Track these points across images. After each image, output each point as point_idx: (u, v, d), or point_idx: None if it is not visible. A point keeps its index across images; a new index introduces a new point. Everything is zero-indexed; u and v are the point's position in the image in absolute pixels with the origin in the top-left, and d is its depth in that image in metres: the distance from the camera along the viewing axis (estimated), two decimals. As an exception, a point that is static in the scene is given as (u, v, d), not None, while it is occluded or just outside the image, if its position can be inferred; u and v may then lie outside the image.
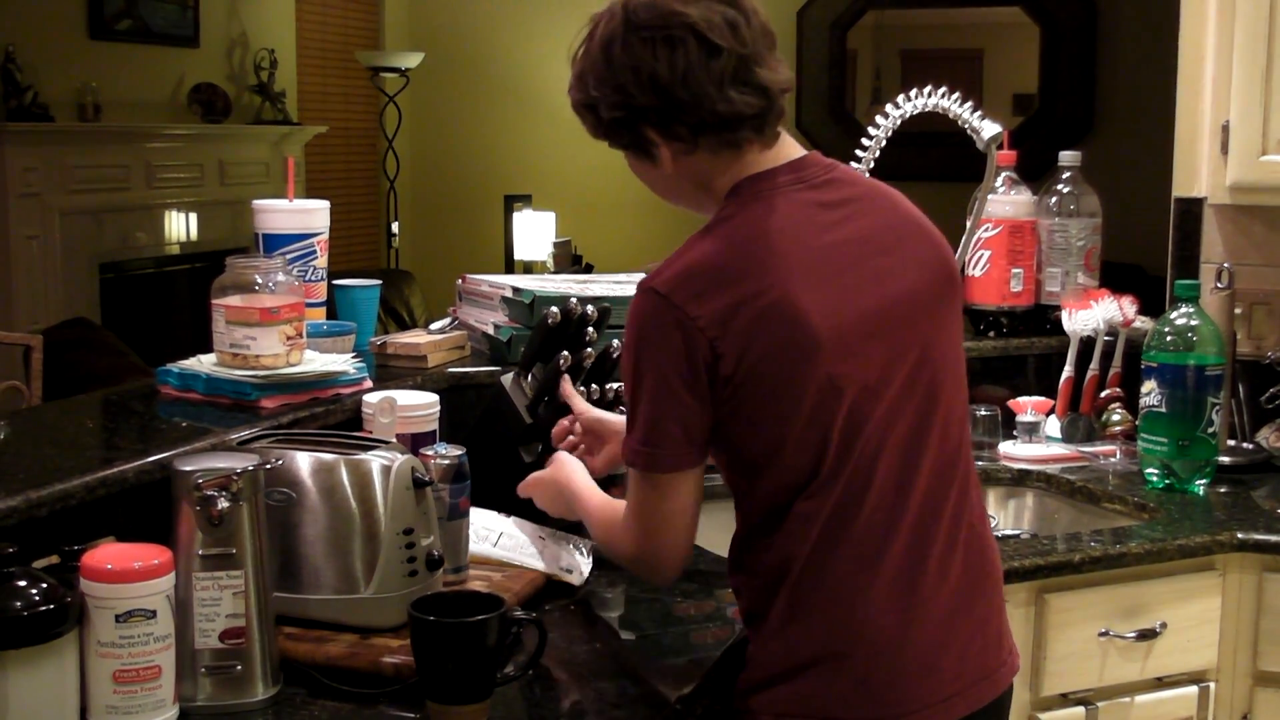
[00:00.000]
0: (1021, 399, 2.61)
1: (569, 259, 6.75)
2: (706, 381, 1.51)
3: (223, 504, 1.43)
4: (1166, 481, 2.38)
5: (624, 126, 1.60)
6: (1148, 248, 4.03)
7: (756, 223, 1.55)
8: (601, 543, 1.78)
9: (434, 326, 2.43)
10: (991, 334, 2.78)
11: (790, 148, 1.63)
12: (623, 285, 2.47)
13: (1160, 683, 2.12)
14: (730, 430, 1.55)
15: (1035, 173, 2.88)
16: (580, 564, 1.90)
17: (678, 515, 1.60)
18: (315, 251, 2.26)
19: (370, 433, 1.86)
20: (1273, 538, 2.14)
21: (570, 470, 1.86)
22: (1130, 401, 2.56)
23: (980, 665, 1.61)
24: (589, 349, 2.03)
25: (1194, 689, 2.15)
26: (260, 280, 1.95)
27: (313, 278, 2.25)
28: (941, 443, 1.59)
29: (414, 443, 1.84)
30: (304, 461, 1.60)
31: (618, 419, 1.90)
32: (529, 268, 6.92)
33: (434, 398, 1.97)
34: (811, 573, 1.55)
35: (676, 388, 1.52)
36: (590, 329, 2.06)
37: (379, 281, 2.44)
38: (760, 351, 1.50)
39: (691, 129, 1.56)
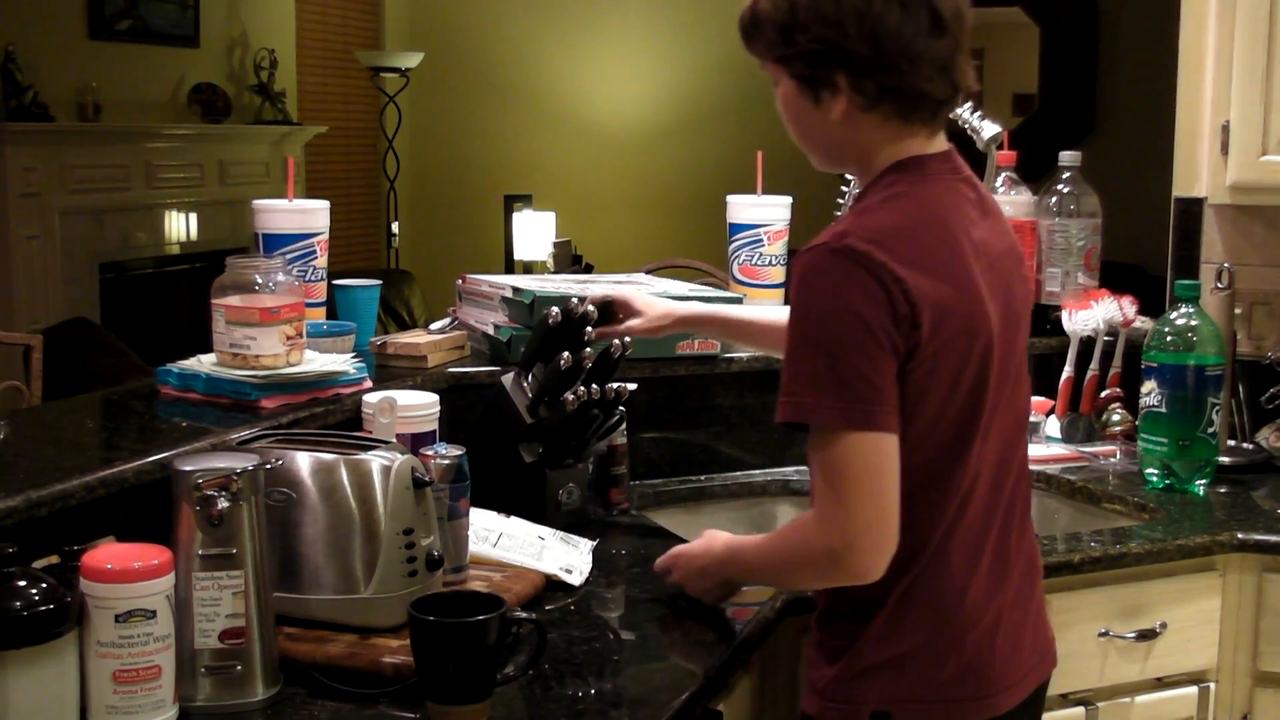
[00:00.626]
0: (1022, 399, 2.61)
1: (569, 259, 6.74)
2: (902, 341, 1.48)
3: (223, 504, 1.43)
4: (1166, 482, 2.38)
5: (815, 61, 1.55)
6: (1148, 248, 4.03)
7: (933, 203, 1.57)
8: (784, 570, 1.65)
9: (434, 326, 2.43)
10: (991, 334, 2.77)
11: (941, 141, 1.62)
12: (623, 285, 2.47)
13: (1160, 683, 2.12)
14: (926, 384, 1.52)
15: (1035, 173, 2.88)
16: (580, 564, 1.91)
17: (891, 480, 1.50)
18: (315, 251, 2.26)
19: (370, 433, 1.86)
20: (1273, 538, 2.14)
21: (715, 532, 1.80)
22: (1130, 402, 2.56)
23: (1043, 642, 1.71)
24: (589, 349, 2.03)
25: (1194, 689, 2.15)
26: (260, 280, 1.95)
27: (313, 278, 2.25)
28: (1021, 434, 1.68)
29: (414, 443, 1.84)
30: (304, 461, 1.60)
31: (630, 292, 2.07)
32: (529, 268, 6.92)
33: (434, 398, 1.97)
34: (935, 561, 1.58)
35: (882, 341, 1.47)
36: (590, 329, 2.06)
37: (379, 281, 2.44)
38: (952, 328, 1.51)
39: (881, 91, 1.54)
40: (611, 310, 2.11)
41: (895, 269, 1.48)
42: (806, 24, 1.53)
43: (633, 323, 2.11)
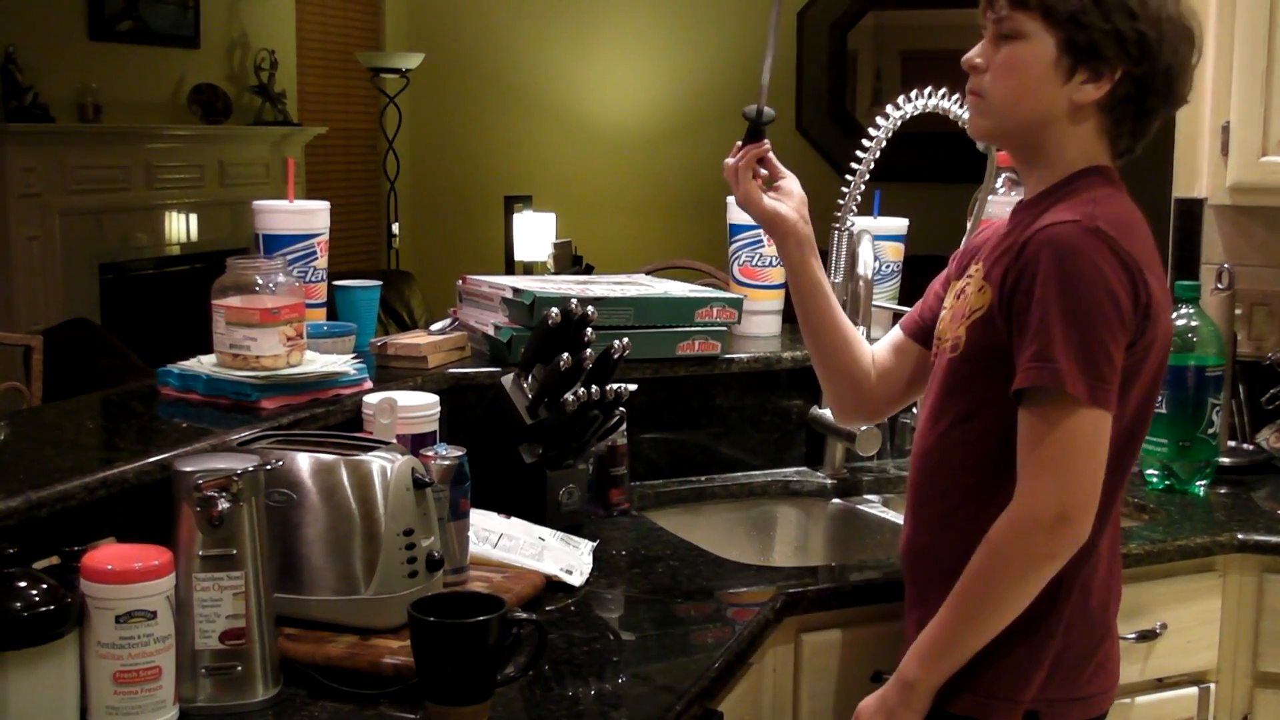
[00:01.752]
0: (1022, 400, 2.61)
1: (569, 260, 6.75)
2: (1135, 329, 1.55)
3: (223, 505, 1.43)
4: (1167, 482, 2.38)
5: (1112, 42, 1.57)
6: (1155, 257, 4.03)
7: (1131, 208, 1.63)
8: (992, 578, 1.57)
9: (434, 327, 2.43)
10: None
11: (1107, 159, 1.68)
12: (623, 286, 2.47)
13: (1160, 684, 2.12)
14: (1133, 373, 1.58)
15: (1035, 173, 2.87)
16: (580, 565, 1.91)
17: (1102, 459, 1.55)
18: (315, 252, 2.26)
19: (370, 433, 1.86)
20: (1273, 539, 2.14)
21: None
22: (1130, 402, 2.56)
23: None
24: (589, 350, 2.03)
25: (1194, 690, 2.15)
26: (260, 281, 1.95)
27: (313, 278, 2.25)
28: None
29: (414, 443, 1.84)
30: (304, 462, 1.60)
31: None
32: (529, 269, 6.92)
33: (434, 399, 1.97)
34: (1101, 559, 1.66)
35: (1122, 320, 1.53)
36: (590, 330, 2.06)
37: (379, 282, 2.44)
38: (1163, 326, 1.59)
39: (1133, 102, 1.60)
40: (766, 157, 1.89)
41: (1138, 258, 1.55)
42: (1134, 11, 1.57)
43: (781, 186, 1.90)
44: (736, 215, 2.64)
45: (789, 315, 2.71)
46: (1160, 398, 2.36)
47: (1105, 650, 1.70)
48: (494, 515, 1.93)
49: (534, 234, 6.97)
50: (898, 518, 2.36)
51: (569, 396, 1.99)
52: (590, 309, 2.08)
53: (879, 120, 2.40)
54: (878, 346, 1.93)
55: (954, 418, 1.66)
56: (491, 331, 2.32)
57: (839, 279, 2.47)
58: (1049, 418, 1.53)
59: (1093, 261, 1.52)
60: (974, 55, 1.65)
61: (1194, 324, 2.38)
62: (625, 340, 2.09)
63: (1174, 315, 2.40)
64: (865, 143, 2.41)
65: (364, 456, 1.61)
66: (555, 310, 2.04)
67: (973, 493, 1.64)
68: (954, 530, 1.65)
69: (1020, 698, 1.63)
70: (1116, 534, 1.72)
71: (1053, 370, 1.51)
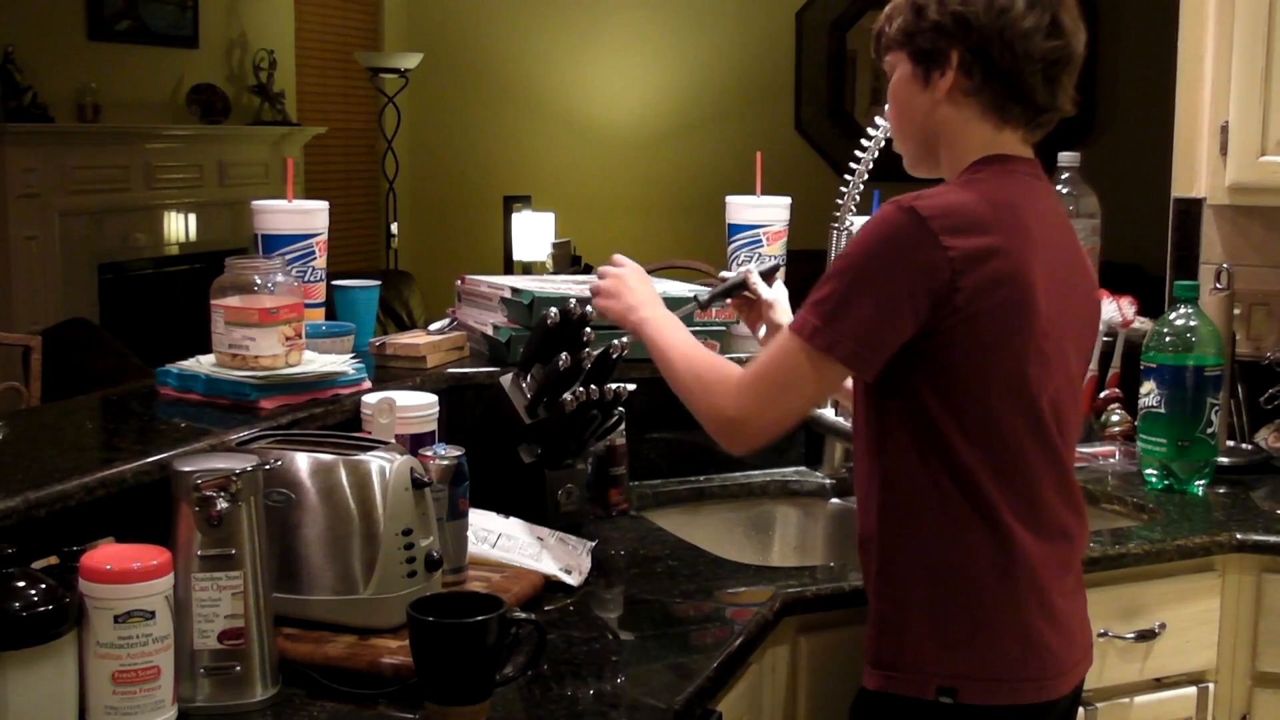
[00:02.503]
0: (1021, 400, 2.61)
1: (568, 260, 6.74)
2: (928, 308, 1.59)
3: (222, 505, 1.43)
4: (1165, 482, 2.38)
5: (938, 33, 1.67)
6: (1147, 248, 4.03)
7: (1009, 193, 1.67)
8: (683, 382, 1.80)
9: (433, 327, 2.43)
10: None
11: (1026, 150, 1.73)
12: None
13: (1159, 683, 2.12)
14: (977, 353, 1.62)
15: (1034, 173, 2.87)
16: (579, 564, 1.91)
17: (806, 402, 1.71)
18: (314, 252, 2.26)
19: (369, 433, 1.86)
20: (1272, 538, 2.14)
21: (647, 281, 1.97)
22: (1129, 402, 2.56)
23: (1087, 638, 1.78)
24: (588, 349, 2.03)
25: (1193, 690, 2.15)
26: (259, 281, 1.95)
27: (312, 278, 2.25)
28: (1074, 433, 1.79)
29: (413, 443, 1.84)
30: (303, 462, 1.60)
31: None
32: (528, 268, 6.92)
33: (433, 398, 1.97)
34: (1023, 542, 1.67)
35: (898, 297, 1.59)
36: (589, 329, 2.06)
37: (378, 282, 2.44)
38: (993, 300, 1.60)
39: (987, 75, 1.66)
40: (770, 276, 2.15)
41: (944, 239, 1.58)
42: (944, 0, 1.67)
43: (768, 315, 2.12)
44: (736, 215, 2.64)
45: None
46: (1159, 397, 2.36)
47: (1035, 635, 1.66)
48: (493, 515, 1.93)
49: (533, 234, 6.97)
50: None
51: (568, 396, 1.99)
52: (589, 309, 2.07)
53: (878, 120, 2.40)
54: None
55: (861, 409, 1.74)
56: (490, 331, 2.32)
57: (838, 279, 2.46)
58: (784, 344, 1.67)
59: (892, 237, 1.60)
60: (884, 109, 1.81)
61: (1193, 324, 2.38)
62: (625, 340, 2.09)
63: (1173, 315, 2.40)
64: (864, 142, 2.41)
65: (363, 456, 1.61)
66: (554, 310, 2.04)
67: (871, 477, 1.71)
68: (864, 515, 1.73)
69: (929, 670, 1.64)
70: (1056, 526, 1.69)
71: (801, 316, 1.65)
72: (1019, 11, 1.64)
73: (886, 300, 1.59)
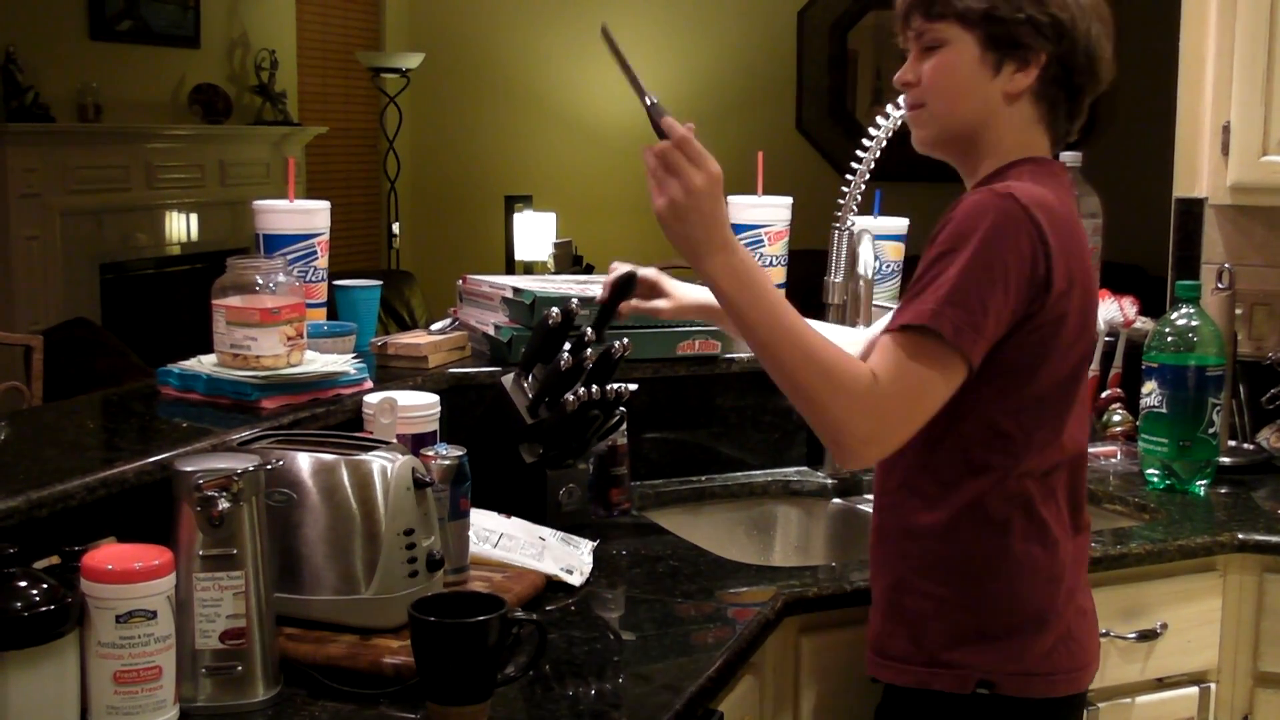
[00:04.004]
0: (1022, 399, 2.61)
1: (569, 260, 6.74)
2: (1028, 296, 1.57)
3: (223, 505, 1.43)
4: (1167, 482, 2.38)
5: (1031, 29, 1.63)
6: (1148, 248, 4.03)
7: (1063, 192, 1.67)
8: (799, 375, 1.54)
9: (434, 327, 2.43)
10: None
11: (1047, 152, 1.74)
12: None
13: (1161, 684, 2.12)
14: (1040, 351, 1.61)
15: (1036, 173, 2.87)
16: (581, 564, 1.91)
17: (934, 411, 1.57)
18: (316, 252, 2.26)
19: (371, 433, 1.86)
20: (1273, 538, 2.14)
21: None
22: (1131, 402, 2.56)
23: (1098, 633, 1.82)
24: (589, 349, 2.02)
25: (1194, 690, 2.15)
26: (261, 281, 1.95)
27: (313, 278, 2.25)
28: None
29: (415, 443, 1.84)
30: (304, 462, 1.60)
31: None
32: (529, 268, 6.92)
33: (434, 398, 1.97)
34: (1054, 540, 1.70)
35: (1008, 282, 1.55)
36: (590, 329, 2.06)
37: (379, 282, 2.44)
38: (1070, 303, 1.61)
39: (1061, 83, 1.66)
40: (631, 287, 2.04)
41: (1045, 230, 1.57)
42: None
43: (659, 303, 2.07)
44: (737, 215, 2.64)
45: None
46: (1161, 397, 2.36)
47: (1066, 628, 1.69)
48: (494, 515, 1.93)
49: (534, 234, 6.97)
50: (898, 517, 2.36)
51: (569, 396, 1.99)
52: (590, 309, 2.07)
53: (879, 120, 2.40)
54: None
55: None
56: (492, 331, 2.32)
57: (839, 279, 2.47)
58: (907, 344, 1.55)
59: (1000, 223, 1.56)
60: (904, 74, 1.71)
61: (1194, 324, 2.38)
62: (626, 340, 2.09)
63: (1175, 315, 2.40)
64: (866, 142, 2.41)
65: (364, 456, 1.61)
66: (556, 310, 2.04)
67: (913, 470, 1.69)
68: (893, 513, 1.73)
69: (969, 664, 1.66)
70: (1081, 522, 1.74)
71: (931, 311, 1.54)
72: (1104, 34, 1.67)
73: (1003, 290, 1.55)
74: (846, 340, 1.91)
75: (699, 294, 2.07)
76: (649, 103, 1.59)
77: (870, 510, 2.44)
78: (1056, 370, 1.64)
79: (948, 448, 1.64)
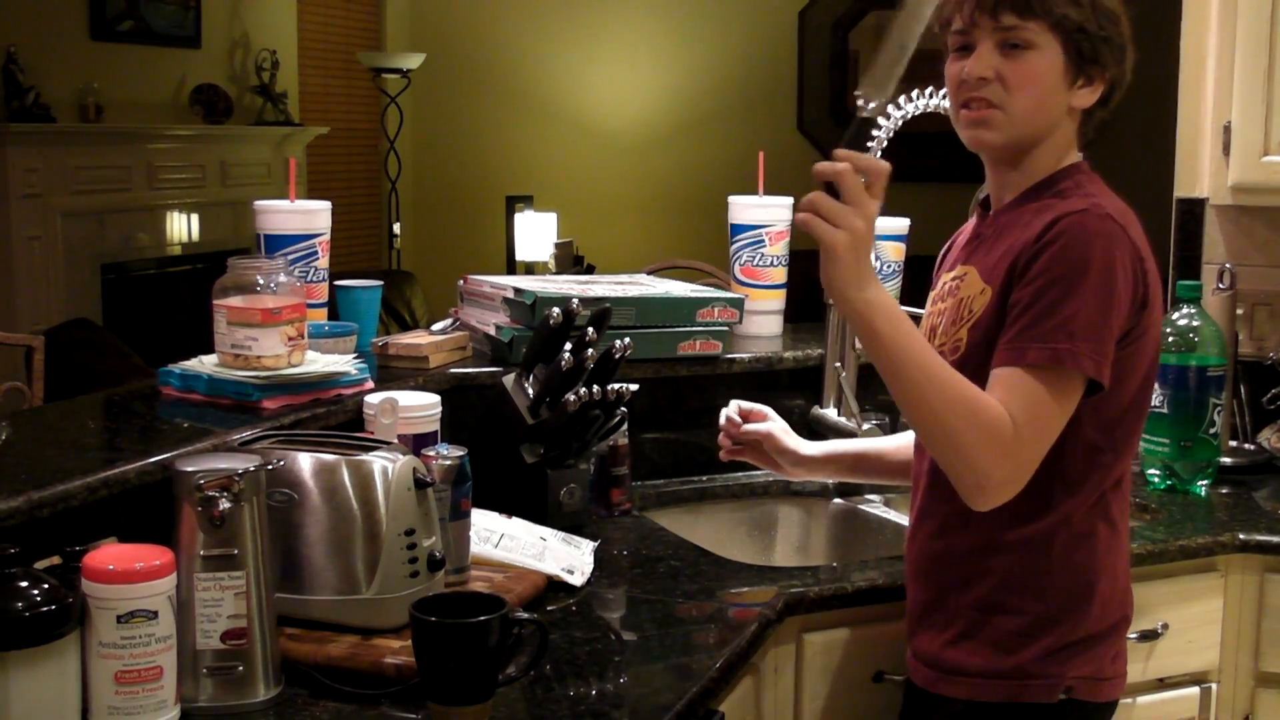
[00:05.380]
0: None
1: (570, 260, 6.74)
2: (1131, 315, 1.59)
3: (224, 505, 1.43)
4: (1168, 482, 2.38)
5: (1110, 49, 1.66)
6: (1150, 248, 4.02)
7: (1121, 200, 1.68)
8: (943, 418, 1.52)
9: (435, 327, 2.43)
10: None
11: None
12: (624, 286, 2.47)
13: (1162, 684, 2.12)
14: (1130, 365, 1.62)
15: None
16: (582, 565, 1.91)
17: (1060, 429, 1.57)
18: (317, 252, 2.26)
19: (372, 433, 1.86)
20: (1274, 539, 2.14)
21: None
22: (1132, 402, 2.56)
23: None
24: (590, 350, 2.03)
25: (1196, 690, 2.15)
26: (262, 281, 1.95)
27: (314, 278, 2.25)
28: None
29: (415, 443, 1.84)
30: (305, 462, 1.60)
31: None
32: (530, 268, 6.92)
33: (435, 398, 1.97)
34: (1123, 549, 1.77)
35: (1121, 305, 1.57)
36: (591, 329, 2.06)
37: (380, 282, 2.44)
38: (1154, 317, 1.64)
39: (1107, 101, 1.70)
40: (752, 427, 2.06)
41: (1141, 249, 1.61)
42: (1117, 18, 1.67)
43: (778, 458, 2.05)
44: (738, 215, 2.64)
45: (790, 315, 2.72)
46: (1162, 397, 2.36)
47: (1123, 633, 1.76)
48: (495, 515, 1.93)
49: (535, 234, 6.97)
50: (899, 518, 2.36)
51: (570, 396, 1.99)
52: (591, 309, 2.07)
53: (879, 120, 2.40)
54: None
55: None
56: (493, 331, 2.32)
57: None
58: (1043, 381, 1.54)
59: (1109, 247, 1.57)
60: (980, 68, 1.65)
61: (1195, 324, 2.38)
62: (627, 340, 2.09)
63: (1176, 315, 2.40)
64: (866, 143, 2.41)
65: (365, 456, 1.61)
66: (557, 310, 2.04)
67: None
68: (968, 530, 1.68)
69: (1058, 671, 1.68)
70: (1128, 521, 1.79)
71: (1069, 350, 1.53)
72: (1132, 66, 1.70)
73: (1117, 313, 1.57)
74: (894, 449, 2.05)
75: (817, 448, 2.06)
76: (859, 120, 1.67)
77: (871, 510, 2.45)
78: (1140, 381, 1.66)
79: (1045, 467, 1.59)
